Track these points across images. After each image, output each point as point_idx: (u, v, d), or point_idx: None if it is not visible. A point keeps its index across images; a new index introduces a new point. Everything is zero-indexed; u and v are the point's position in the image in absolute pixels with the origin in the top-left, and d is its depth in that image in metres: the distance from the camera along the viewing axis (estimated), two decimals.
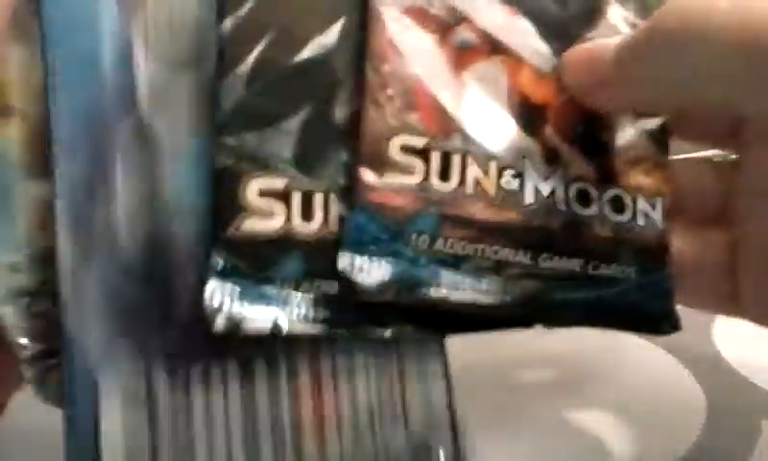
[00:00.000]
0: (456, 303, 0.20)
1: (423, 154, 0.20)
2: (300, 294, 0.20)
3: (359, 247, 0.19)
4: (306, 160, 0.20)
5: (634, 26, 0.22)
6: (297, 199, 0.20)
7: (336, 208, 0.20)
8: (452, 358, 0.21)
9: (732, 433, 0.24)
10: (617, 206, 0.21)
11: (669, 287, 0.21)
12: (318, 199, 0.20)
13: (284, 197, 0.20)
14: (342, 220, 0.20)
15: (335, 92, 0.20)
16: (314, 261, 0.20)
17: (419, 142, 0.20)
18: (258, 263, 0.19)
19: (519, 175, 0.21)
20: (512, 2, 0.21)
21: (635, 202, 0.21)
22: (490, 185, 0.20)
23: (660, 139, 0.22)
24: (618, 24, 0.22)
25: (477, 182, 0.20)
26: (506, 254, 0.20)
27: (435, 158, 0.20)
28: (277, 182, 0.20)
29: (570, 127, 0.21)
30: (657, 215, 0.22)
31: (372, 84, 0.20)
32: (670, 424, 0.24)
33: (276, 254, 0.19)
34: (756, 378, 0.27)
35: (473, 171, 0.20)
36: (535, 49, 0.21)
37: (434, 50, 0.20)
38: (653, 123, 0.22)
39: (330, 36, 0.20)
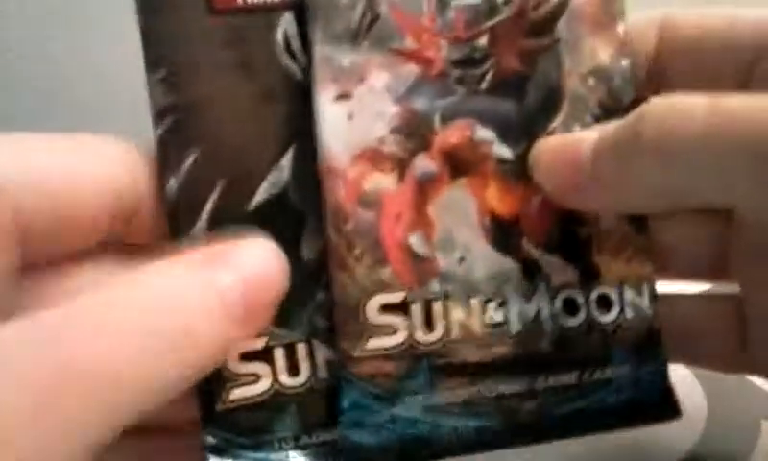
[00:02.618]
0: (461, 448, 0.20)
1: (403, 308, 0.19)
2: (299, 450, 0.20)
3: (358, 424, 0.19)
4: (281, 312, 0.19)
5: (601, 104, 0.21)
6: (280, 355, 0.19)
7: (322, 354, 0.20)
8: None
9: (732, 433, 0.24)
10: (605, 304, 0.21)
11: (664, 373, 0.21)
12: (301, 349, 0.20)
13: (267, 356, 0.19)
14: (330, 364, 0.20)
15: (299, 229, 0.20)
16: (309, 414, 0.20)
17: (396, 298, 0.19)
18: (252, 430, 0.19)
19: (503, 304, 0.20)
20: (469, 113, 0.21)
21: (621, 294, 0.21)
22: (475, 325, 0.20)
23: (636, 221, 0.22)
24: (585, 101, 0.21)
25: (462, 326, 0.20)
26: (503, 388, 0.20)
27: (416, 311, 0.20)
28: (257, 343, 0.19)
29: (546, 233, 0.21)
30: (644, 302, 0.21)
31: (336, 247, 0.19)
32: (670, 424, 0.24)
33: (269, 415, 0.19)
34: (756, 379, 0.27)
35: (456, 314, 0.20)
36: (498, 157, 0.21)
37: (395, 192, 0.20)
38: None
39: (283, 169, 0.19)
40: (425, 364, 0.19)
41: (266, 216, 0.19)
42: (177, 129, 0.19)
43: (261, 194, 0.19)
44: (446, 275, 0.20)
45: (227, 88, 0.19)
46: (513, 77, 0.21)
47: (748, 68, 0.20)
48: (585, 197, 0.20)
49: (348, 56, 0.20)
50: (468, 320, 0.20)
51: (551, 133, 0.21)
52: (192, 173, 0.19)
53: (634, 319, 0.21)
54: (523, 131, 0.21)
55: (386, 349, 0.19)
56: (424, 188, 0.20)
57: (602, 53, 0.22)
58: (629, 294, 0.21)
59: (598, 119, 0.22)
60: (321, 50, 0.20)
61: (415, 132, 0.20)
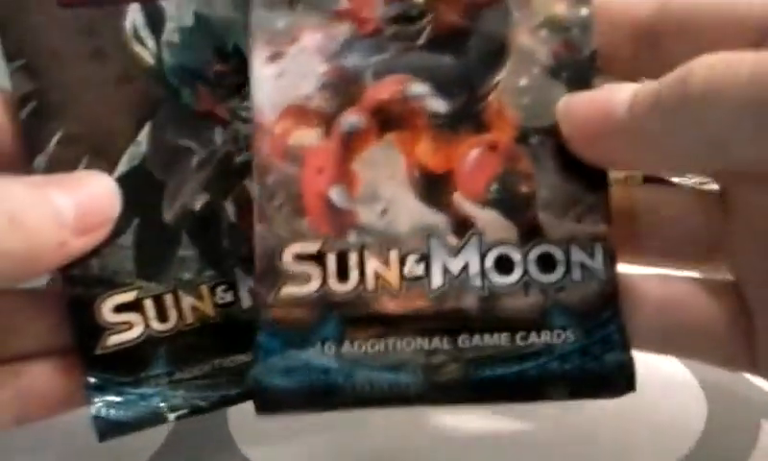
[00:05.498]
0: (375, 400, 0.20)
1: (318, 258, 0.20)
2: (173, 384, 0.22)
3: (270, 368, 0.20)
4: (148, 268, 0.22)
5: (556, 56, 0.21)
6: (149, 305, 0.22)
7: (188, 302, 0.22)
8: None
9: (732, 433, 0.25)
10: (546, 264, 0.20)
11: (619, 342, 0.20)
12: (168, 299, 0.22)
13: (138, 307, 0.22)
14: (194, 309, 0.22)
15: (159, 195, 0.22)
16: (179, 352, 0.22)
17: (312, 248, 0.20)
18: (130, 370, 0.22)
19: (424, 258, 0.20)
20: (402, 69, 0.21)
21: (567, 254, 0.20)
22: (391, 277, 0.20)
23: (591, 177, 0.20)
24: (534, 53, 0.21)
25: (377, 276, 0.20)
26: (420, 343, 0.20)
27: (330, 261, 0.20)
28: (128, 296, 0.22)
29: (483, 188, 0.21)
30: (597, 263, 0.20)
31: (258, 200, 0.20)
32: (670, 423, 0.25)
33: (144, 356, 0.22)
34: (757, 378, 0.27)
35: (372, 265, 0.20)
36: (433, 112, 0.21)
37: (319, 146, 0.21)
38: (582, 163, 0.20)
39: (141, 144, 0.22)
40: (336, 313, 0.20)
41: (128, 186, 0.22)
42: (40, 112, 0.21)
43: (121, 167, 0.22)
44: (365, 227, 0.20)
45: (82, 74, 0.21)
46: (452, 32, 0.21)
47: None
48: (618, 152, 0.20)
49: (284, 19, 0.21)
50: (384, 272, 0.20)
51: (494, 87, 0.21)
52: (57, 151, 0.21)
53: (582, 281, 0.20)
54: (462, 85, 0.21)
55: (299, 296, 0.20)
56: (349, 143, 0.21)
57: (558, 3, 0.21)
58: (577, 254, 0.20)
59: (552, 71, 0.21)
60: (257, 14, 0.21)
61: (344, 88, 0.21)
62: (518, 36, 0.21)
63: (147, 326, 0.22)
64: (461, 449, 0.25)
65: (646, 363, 0.26)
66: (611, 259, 0.20)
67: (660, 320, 0.21)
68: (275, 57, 0.21)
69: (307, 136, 0.21)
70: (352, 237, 0.20)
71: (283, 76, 0.21)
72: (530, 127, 0.21)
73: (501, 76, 0.21)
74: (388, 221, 0.20)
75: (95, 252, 0.21)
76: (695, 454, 0.24)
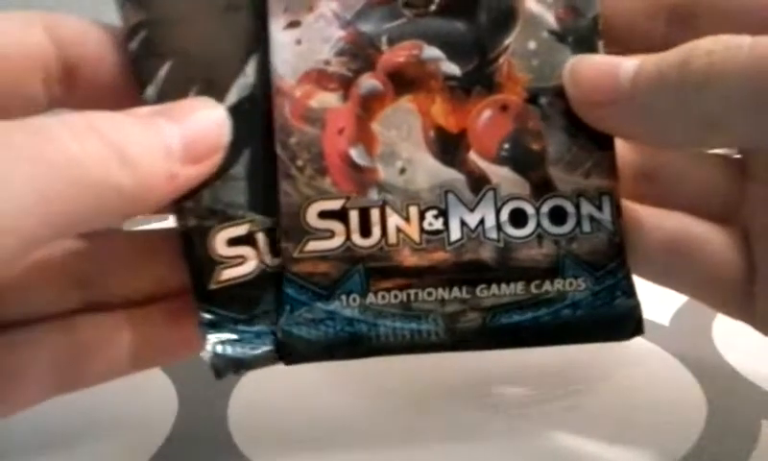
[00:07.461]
0: (398, 348, 0.21)
1: (341, 215, 0.21)
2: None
3: (296, 319, 0.21)
4: (260, 200, 0.22)
5: (559, 19, 0.22)
6: (262, 239, 0.22)
7: None
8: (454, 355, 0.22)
9: (732, 433, 0.25)
10: (558, 217, 0.21)
11: (626, 289, 0.21)
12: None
13: (250, 240, 0.22)
14: None
15: (268, 127, 0.22)
16: None
17: (335, 205, 0.21)
18: (244, 306, 0.22)
19: (443, 213, 0.21)
20: (416, 35, 0.22)
21: (578, 207, 0.21)
22: (412, 231, 0.21)
23: (597, 135, 0.22)
24: (541, 17, 0.22)
25: (399, 231, 0.21)
26: (440, 293, 0.21)
27: (353, 217, 0.21)
28: (241, 229, 0.21)
29: (496, 146, 0.22)
30: (605, 215, 0.22)
31: (282, 159, 0.21)
32: (670, 424, 0.25)
33: (257, 292, 0.22)
34: (756, 378, 0.27)
35: (394, 220, 0.21)
36: (446, 75, 0.22)
37: (339, 108, 0.22)
38: (586, 125, 0.22)
39: (248, 75, 0.22)
40: (360, 266, 0.21)
41: (237, 117, 0.21)
42: (149, 43, 0.21)
43: (231, 98, 0.21)
44: (386, 184, 0.21)
45: (190, 4, 0.21)
46: None
47: None
48: (618, 121, 0.21)
49: None
50: (405, 226, 0.21)
51: (504, 50, 0.22)
52: (167, 82, 0.21)
53: (591, 232, 0.21)
54: (473, 48, 0.22)
55: (323, 251, 0.21)
56: (368, 105, 0.22)
57: None
58: (586, 207, 0.22)
59: (557, 34, 0.22)
60: None
61: (360, 53, 0.22)
62: (526, 1, 0.22)
63: (260, 260, 0.21)
64: (460, 450, 0.25)
65: (646, 363, 0.28)
66: (617, 211, 0.22)
67: (667, 253, 0.22)
68: (291, 24, 0.22)
69: (328, 99, 0.22)
70: (374, 194, 0.21)
71: (302, 42, 0.22)
72: (539, 88, 0.22)
73: (510, 39, 0.22)
74: (407, 179, 0.21)
75: (207, 183, 0.21)
76: (695, 454, 0.24)
